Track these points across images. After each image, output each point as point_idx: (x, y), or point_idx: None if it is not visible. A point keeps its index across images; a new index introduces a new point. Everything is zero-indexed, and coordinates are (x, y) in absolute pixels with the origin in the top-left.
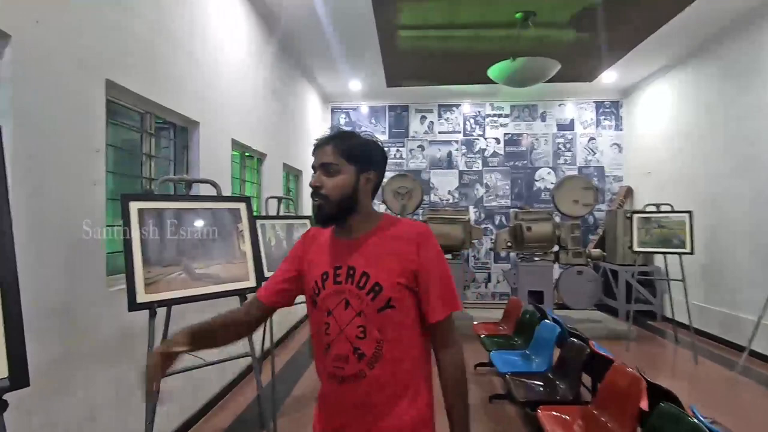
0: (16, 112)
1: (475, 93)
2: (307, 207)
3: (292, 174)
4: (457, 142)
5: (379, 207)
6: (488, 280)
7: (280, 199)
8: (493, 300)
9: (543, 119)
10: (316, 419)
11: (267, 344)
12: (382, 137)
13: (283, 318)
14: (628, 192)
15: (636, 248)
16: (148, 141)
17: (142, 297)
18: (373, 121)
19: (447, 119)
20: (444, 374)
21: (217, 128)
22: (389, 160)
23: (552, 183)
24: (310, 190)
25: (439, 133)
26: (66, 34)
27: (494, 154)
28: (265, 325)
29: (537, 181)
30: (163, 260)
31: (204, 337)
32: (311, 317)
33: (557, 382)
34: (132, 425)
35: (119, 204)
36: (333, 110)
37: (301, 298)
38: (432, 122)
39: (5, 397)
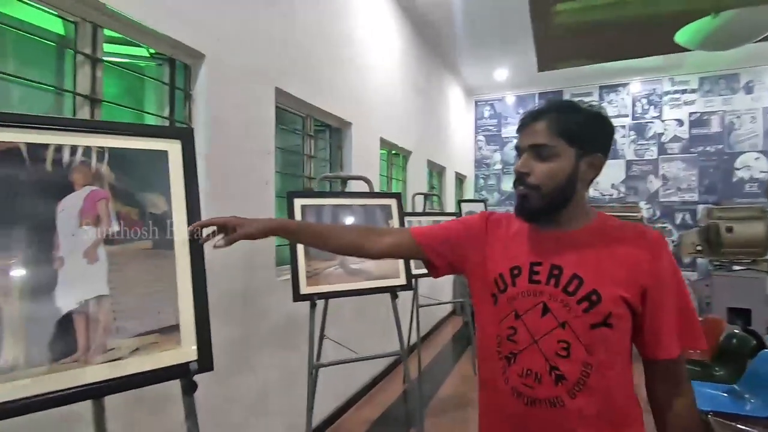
0: (210, 121)
1: (648, 67)
2: (450, 204)
3: (435, 170)
4: (624, 127)
5: None
6: None
7: (426, 196)
8: None
9: (748, 91)
10: None
11: (413, 339)
12: None
13: (424, 316)
14: None
15: None
16: (308, 142)
17: (304, 289)
18: (520, 111)
19: (611, 102)
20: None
21: (367, 128)
22: None
23: (762, 171)
24: (453, 186)
25: None
26: (244, 49)
27: (675, 138)
28: (411, 321)
29: (738, 169)
30: (322, 254)
31: (316, 237)
32: (486, 317)
33: None
34: (295, 406)
35: (284, 201)
36: (477, 103)
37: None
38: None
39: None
